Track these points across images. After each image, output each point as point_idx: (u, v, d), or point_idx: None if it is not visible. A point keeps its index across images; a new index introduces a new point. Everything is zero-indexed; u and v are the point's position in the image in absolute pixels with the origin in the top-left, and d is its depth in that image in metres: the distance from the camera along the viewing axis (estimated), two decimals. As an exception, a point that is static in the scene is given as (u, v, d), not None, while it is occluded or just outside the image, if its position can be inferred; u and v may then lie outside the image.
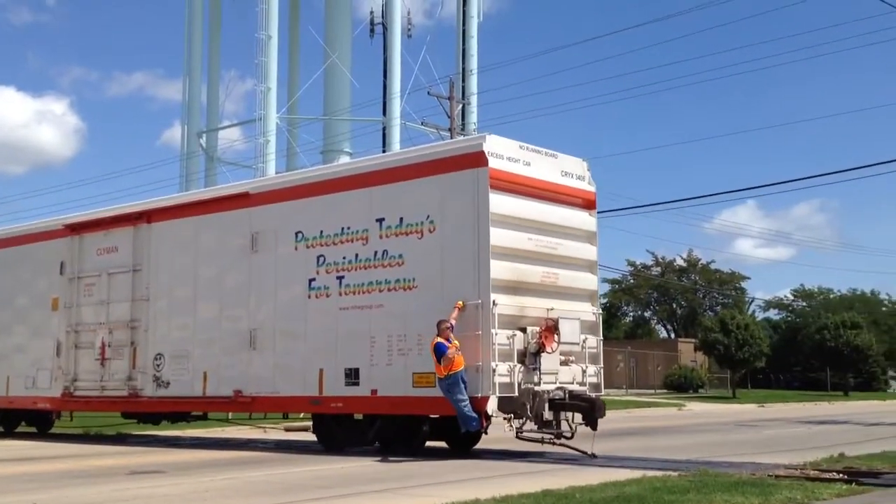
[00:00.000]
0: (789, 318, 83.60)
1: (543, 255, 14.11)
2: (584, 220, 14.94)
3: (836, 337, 62.87)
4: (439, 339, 12.96)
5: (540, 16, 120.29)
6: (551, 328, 13.54)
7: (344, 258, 14.92)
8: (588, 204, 15.05)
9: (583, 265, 14.82)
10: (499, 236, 13.34)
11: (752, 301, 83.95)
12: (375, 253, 14.54)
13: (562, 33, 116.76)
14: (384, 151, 34.53)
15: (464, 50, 42.49)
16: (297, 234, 15.60)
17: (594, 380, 14.54)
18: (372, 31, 42.32)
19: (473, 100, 41.39)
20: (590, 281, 14.89)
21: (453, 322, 13.10)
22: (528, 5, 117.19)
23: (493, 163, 13.38)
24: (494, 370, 12.99)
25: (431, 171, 14.01)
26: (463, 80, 41.01)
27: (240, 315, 16.29)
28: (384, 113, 39.71)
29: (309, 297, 15.29)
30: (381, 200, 14.59)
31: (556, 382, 13.68)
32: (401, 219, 14.27)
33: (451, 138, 31.03)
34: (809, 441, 18.01)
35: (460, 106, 35.86)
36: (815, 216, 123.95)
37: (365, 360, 14.42)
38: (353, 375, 14.56)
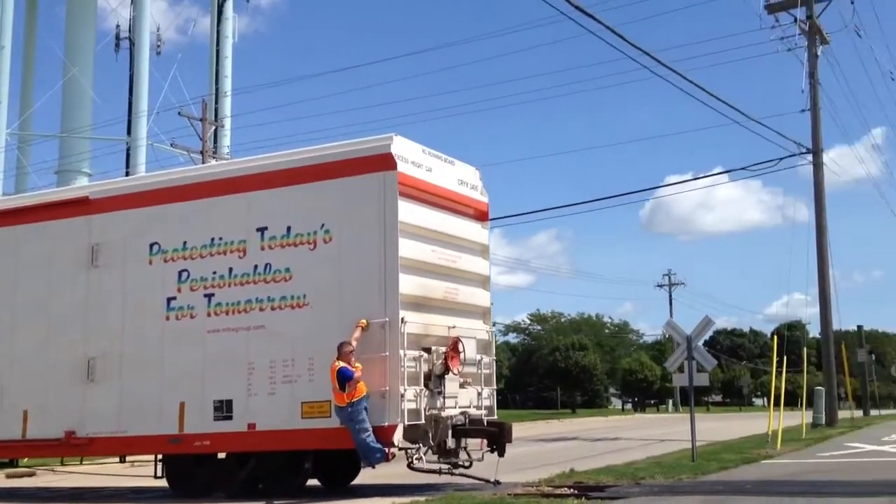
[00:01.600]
0: (525, 342, 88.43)
1: (445, 269, 13.00)
2: (479, 232, 13.99)
3: (566, 358, 68.83)
4: (342, 364, 11.46)
5: (296, 38, 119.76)
6: (456, 348, 12.41)
7: (214, 273, 13.05)
8: (482, 215, 14.11)
9: (478, 280, 13.83)
10: (407, 248, 12.08)
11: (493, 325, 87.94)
12: (255, 267, 12.80)
13: (320, 56, 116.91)
14: (127, 174, 32.33)
15: (217, 70, 40.59)
16: (152, 245, 13.51)
17: (488, 402, 13.54)
18: (117, 45, 39.34)
19: (227, 122, 39.55)
20: (484, 297, 13.91)
21: (355, 344, 11.65)
22: (284, 28, 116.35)
23: (402, 167, 12.16)
24: (403, 395, 11.64)
25: (327, 174, 12.52)
26: (216, 102, 39.22)
27: (73, 341, 13.84)
28: (129, 132, 36.98)
29: (167, 318, 13.22)
30: (263, 207, 12.90)
31: (456, 407, 12.56)
32: (288, 228, 12.65)
33: (203, 162, 29.54)
34: (544, 458, 18.87)
35: (213, 128, 34.75)
36: (553, 244, 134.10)
37: (240, 389, 12.58)
38: (224, 408, 12.65)
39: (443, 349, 12.36)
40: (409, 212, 12.24)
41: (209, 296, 13.03)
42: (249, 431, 12.44)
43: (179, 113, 31.72)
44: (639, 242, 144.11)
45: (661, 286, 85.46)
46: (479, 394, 13.26)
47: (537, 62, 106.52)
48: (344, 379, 11.37)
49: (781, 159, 27.14)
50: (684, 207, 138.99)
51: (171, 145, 33.69)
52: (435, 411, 12.14)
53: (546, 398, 75.01)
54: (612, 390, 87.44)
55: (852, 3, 27.95)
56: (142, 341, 13.38)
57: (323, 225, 12.41)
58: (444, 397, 12.25)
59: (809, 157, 28.16)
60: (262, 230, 12.83)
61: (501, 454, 12.60)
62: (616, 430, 35.04)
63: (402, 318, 11.77)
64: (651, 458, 16.87)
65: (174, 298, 13.22)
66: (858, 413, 39.66)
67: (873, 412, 44.23)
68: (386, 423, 11.58)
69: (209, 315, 12.97)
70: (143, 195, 13.90)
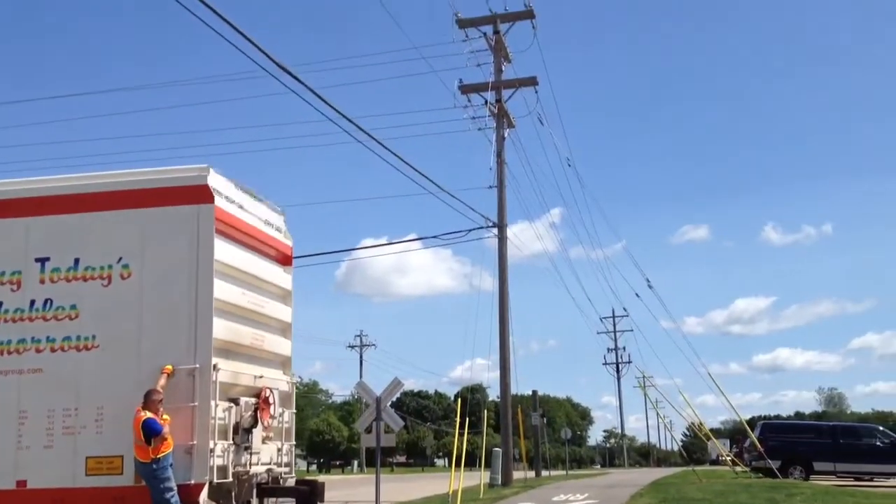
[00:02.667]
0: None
1: (253, 313, 12.13)
2: (284, 277, 13.25)
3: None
4: (148, 414, 10.28)
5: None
6: (267, 399, 11.62)
7: (-22, 307, 11.27)
8: (286, 259, 13.40)
9: (281, 328, 13.06)
10: (220, 289, 11.14)
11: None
12: (32, 302, 11.21)
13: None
14: None
15: None
16: None
17: (287, 458, 12.77)
18: None
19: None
20: (286, 346, 13.15)
21: (162, 392, 10.52)
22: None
23: (217, 201, 11.25)
24: (212, 451, 10.64)
25: (127, 202, 11.27)
26: None
27: None
28: None
29: None
30: (44, 235, 11.36)
31: (259, 463, 11.73)
32: (76, 260, 11.24)
33: None
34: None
35: None
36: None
37: (8, 441, 10.87)
38: (-16, 463, 10.88)
39: (252, 400, 11.50)
40: (223, 250, 11.32)
41: (-30, 333, 11.22)
42: (19, 490, 10.76)
43: None
44: (333, 302, 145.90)
45: (352, 347, 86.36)
46: (279, 449, 12.47)
47: (234, 116, 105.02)
48: (150, 432, 10.18)
49: (470, 230, 27.95)
50: (378, 270, 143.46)
51: None
52: (241, 468, 11.23)
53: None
54: (296, 451, 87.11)
55: (536, 92, 29.63)
56: None
57: (120, 259, 11.15)
58: (250, 453, 11.38)
59: (495, 231, 29.07)
60: (42, 261, 11.30)
61: (311, 515, 11.91)
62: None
63: (215, 365, 10.81)
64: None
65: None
66: (531, 474, 41.57)
67: (544, 473, 46.63)
68: (192, 482, 10.47)
69: (-31, 355, 11.16)
70: None
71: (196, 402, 10.62)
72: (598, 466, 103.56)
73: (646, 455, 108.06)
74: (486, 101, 29.09)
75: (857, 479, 27.92)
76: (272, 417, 11.70)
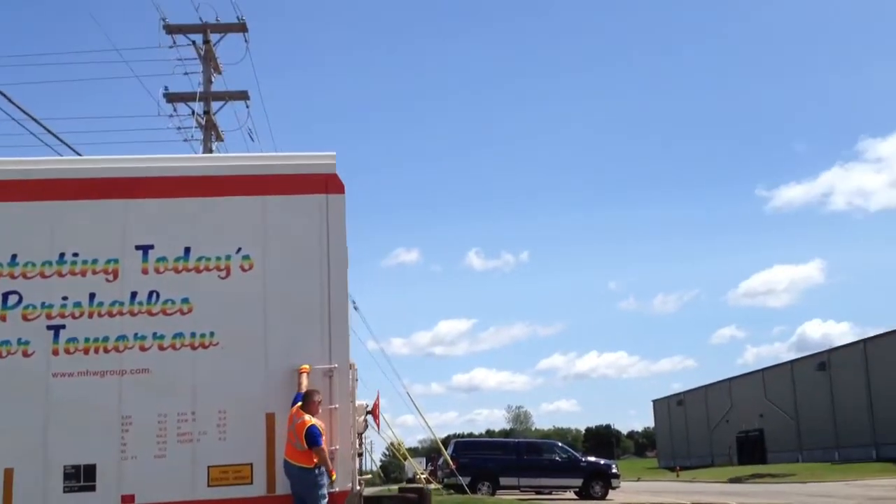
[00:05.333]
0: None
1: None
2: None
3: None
4: (314, 420, 9.46)
5: None
6: (377, 402, 11.02)
7: (65, 299, 9.91)
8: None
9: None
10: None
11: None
12: (134, 295, 10.01)
13: None
14: None
15: None
16: (-46, 256, 9.87)
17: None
18: None
19: None
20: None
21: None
22: None
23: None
24: (353, 456, 9.94)
25: (248, 188, 10.35)
26: None
27: None
28: None
29: (-24, 354, 9.67)
30: (146, 220, 10.20)
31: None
32: (186, 249, 10.18)
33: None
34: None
35: None
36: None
37: (109, 451, 9.59)
38: (82, 476, 9.51)
39: (363, 402, 10.86)
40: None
41: (57, 328, 9.83)
42: (125, 507, 9.51)
43: None
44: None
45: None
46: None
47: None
48: (316, 437, 9.36)
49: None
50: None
51: None
52: (359, 476, 10.54)
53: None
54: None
55: (247, 107, 28.48)
56: (-71, 387, 9.55)
57: (240, 249, 10.22)
58: (362, 458, 10.71)
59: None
60: (144, 249, 10.14)
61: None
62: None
63: (352, 364, 10.13)
64: None
65: (-12, 328, 9.73)
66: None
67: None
68: (336, 489, 9.73)
69: (56, 353, 9.76)
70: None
71: (336, 405, 9.90)
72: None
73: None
74: (194, 112, 28.14)
75: (538, 493, 30.16)
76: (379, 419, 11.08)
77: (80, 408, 9.63)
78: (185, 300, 10.04)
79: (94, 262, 10.04)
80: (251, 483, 9.62)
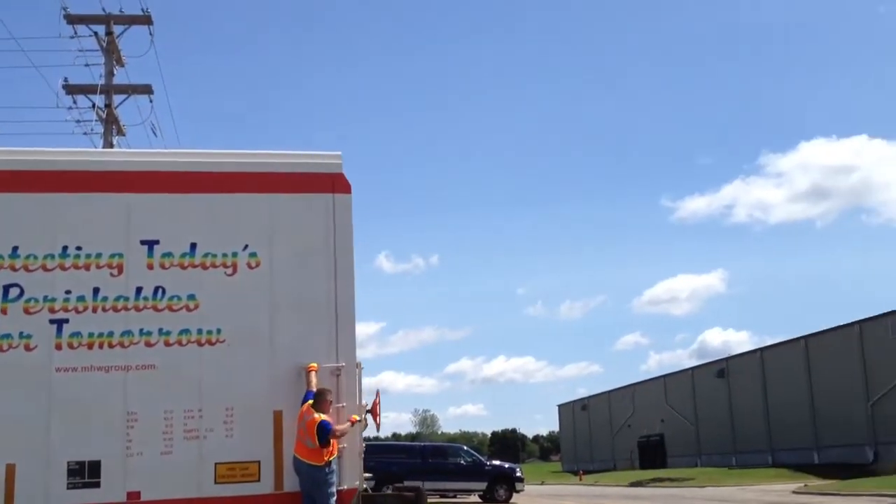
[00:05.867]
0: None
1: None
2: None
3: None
4: (324, 416, 9.55)
5: None
6: (377, 400, 11.12)
7: (68, 293, 9.76)
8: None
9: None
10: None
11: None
12: (139, 290, 9.91)
13: None
14: None
15: None
16: (-47, 247, 9.61)
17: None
18: None
19: None
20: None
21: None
22: None
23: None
24: (361, 453, 10.08)
25: (255, 186, 10.35)
26: None
27: None
28: None
29: (-23, 348, 9.44)
30: (151, 215, 10.11)
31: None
32: (192, 245, 10.13)
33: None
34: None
35: None
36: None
37: (115, 447, 9.49)
38: (87, 472, 9.39)
39: (364, 403, 10.94)
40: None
41: (60, 322, 9.67)
42: (130, 502, 9.41)
43: None
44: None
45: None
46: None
47: None
48: (327, 434, 9.44)
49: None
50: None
51: None
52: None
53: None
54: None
55: (151, 102, 27.74)
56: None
57: (246, 246, 10.24)
58: (363, 458, 10.81)
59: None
60: (149, 244, 10.06)
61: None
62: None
63: (359, 363, 10.25)
64: None
65: (-7, 323, 9.51)
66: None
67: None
68: (345, 487, 9.84)
69: (60, 348, 9.61)
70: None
71: (343, 403, 10.01)
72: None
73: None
74: (94, 105, 26.97)
75: (442, 496, 30.61)
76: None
77: (83, 403, 9.51)
78: (192, 296, 10.00)
79: (98, 256, 9.92)
80: (258, 480, 9.65)
